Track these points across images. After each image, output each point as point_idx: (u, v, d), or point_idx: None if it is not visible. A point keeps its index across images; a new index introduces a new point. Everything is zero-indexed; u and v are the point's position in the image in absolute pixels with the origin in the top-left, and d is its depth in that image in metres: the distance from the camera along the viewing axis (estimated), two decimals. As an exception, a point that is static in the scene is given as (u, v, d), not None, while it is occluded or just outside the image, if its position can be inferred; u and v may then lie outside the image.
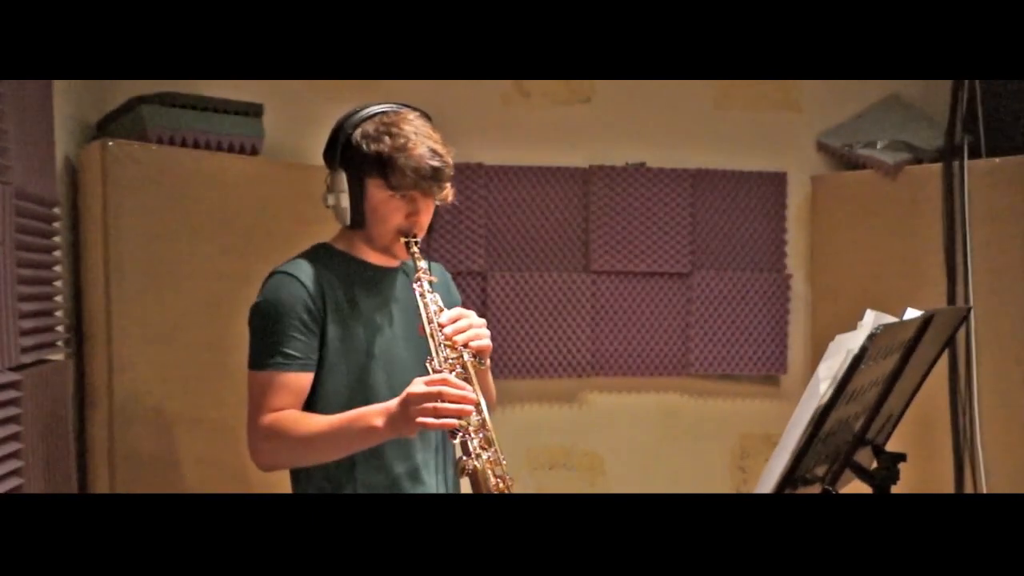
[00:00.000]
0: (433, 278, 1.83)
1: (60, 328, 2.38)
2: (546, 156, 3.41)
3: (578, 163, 3.43)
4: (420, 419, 1.61)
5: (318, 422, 1.75)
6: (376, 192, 1.82)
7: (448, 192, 1.89)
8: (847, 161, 3.48)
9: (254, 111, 2.87)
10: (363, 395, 1.82)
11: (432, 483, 1.90)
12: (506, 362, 3.37)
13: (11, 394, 1.95)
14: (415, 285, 1.81)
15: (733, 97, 3.52)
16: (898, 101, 3.52)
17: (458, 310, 1.82)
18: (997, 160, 3.08)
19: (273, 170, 2.83)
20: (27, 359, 2.07)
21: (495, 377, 3.34)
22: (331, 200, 1.86)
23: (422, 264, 1.83)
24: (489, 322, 3.30)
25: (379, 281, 1.91)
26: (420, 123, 1.86)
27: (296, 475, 1.89)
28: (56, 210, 2.37)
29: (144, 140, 2.61)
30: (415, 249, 1.85)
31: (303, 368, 1.79)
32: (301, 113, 3.03)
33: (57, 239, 2.39)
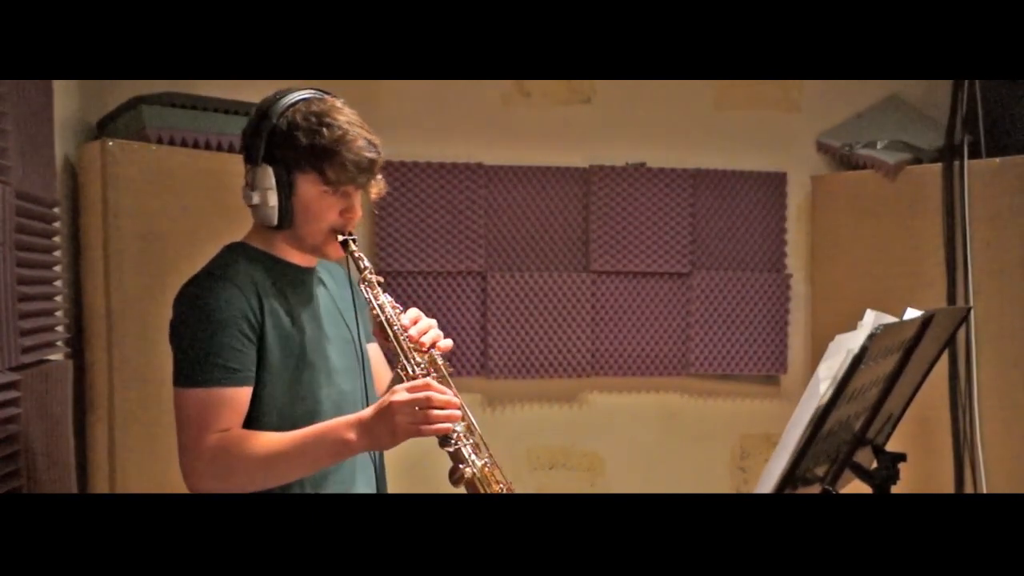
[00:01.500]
0: (380, 278, 1.72)
1: (60, 328, 2.38)
2: (546, 156, 3.41)
3: (578, 163, 3.43)
4: (411, 428, 1.53)
5: (275, 440, 1.59)
6: (308, 188, 1.66)
7: (382, 186, 1.76)
8: (847, 161, 3.48)
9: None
10: (305, 407, 1.68)
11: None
12: (506, 362, 3.37)
13: (11, 394, 1.95)
14: (363, 287, 1.70)
15: (733, 97, 3.52)
16: (898, 101, 3.52)
17: (414, 311, 1.72)
18: (997, 160, 3.08)
19: (273, 170, 2.83)
20: (27, 359, 2.07)
21: (495, 376, 3.37)
22: (256, 198, 1.67)
23: (366, 264, 1.70)
24: (489, 322, 3.34)
25: (302, 283, 1.76)
26: (349, 111, 1.70)
27: None
28: (56, 210, 2.37)
29: (144, 140, 2.61)
30: (354, 248, 1.70)
31: (244, 382, 1.62)
32: (301, 113, 3.02)
33: (57, 239, 2.39)
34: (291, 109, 1.66)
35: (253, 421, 1.65)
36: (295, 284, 1.74)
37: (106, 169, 2.50)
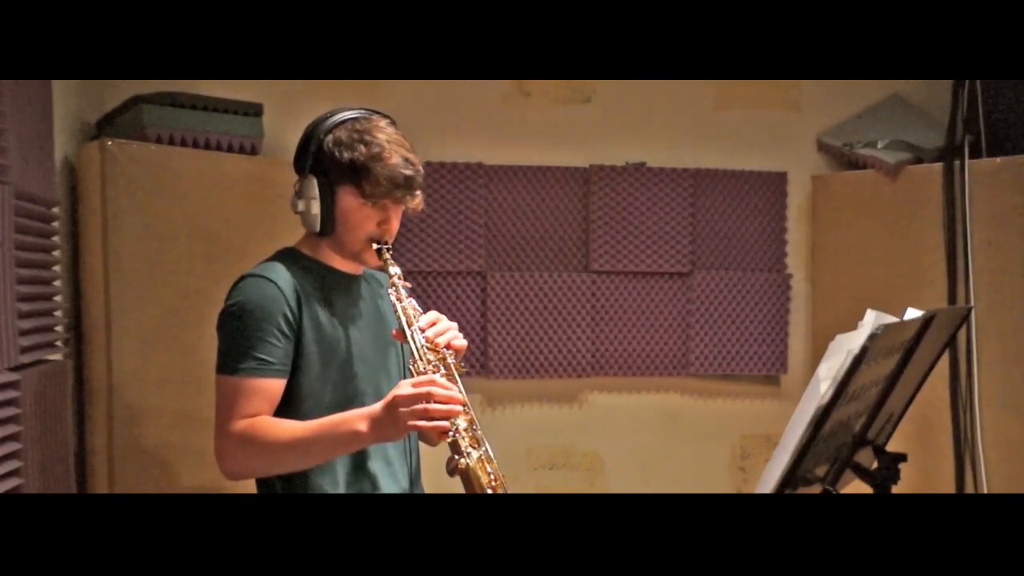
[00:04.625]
0: (408, 284, 1.83)
1: (59, 328, 2.38)
2: (546, 156, 3.40)
3: (578, 163, 3.43)
4: (411, 422, 1.60)
5: (296, 427, 1.72)
6: (348, 200, 1.81)
7: (419, 200, 1.88)
8: (848, 161, 3.47)
9: (254, 111, 2.87)
10: (343, 401, 1.81)
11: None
12: (506, 362, 3.37)
13: (10, 394, 1.95)
14: (390, 291, 1.81)
15: (733, 97, 3.52)
16: (899, 101, 3.52)
17: (433, 313, 1.82)
18: (998, 160, 3.08)
19: (273, 170, 2.83)
20: (26, 359, 2.07)
21: (495, 376, 3.37)
22: (301, 206, 1.84)
23: (395, 270, 1.82)
24: (489, 322, 3.34)
25: (347, 287, 1.91)
26: (391, 131, 1.85)
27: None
28: (55, 210, 2.37)
29: (143, 140, 2.61)
30: (387, 256, 1.84)
31: (278, 374, 1.76)
32: (301, 113, 2.99)
33: (56, 239, 2.39)
34: (338, 127, 1.82)
35: (293, 412, 1.78)
36: (338, 288, 1.88)
37: (105, 169, 2.50)
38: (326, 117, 1.85)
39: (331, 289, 1.87)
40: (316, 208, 1.81)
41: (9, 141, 1.99)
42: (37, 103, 2.23)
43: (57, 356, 2.37)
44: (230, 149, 2.80)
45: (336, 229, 1.83)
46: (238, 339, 1.75)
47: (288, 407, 1.79)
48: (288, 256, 1.89)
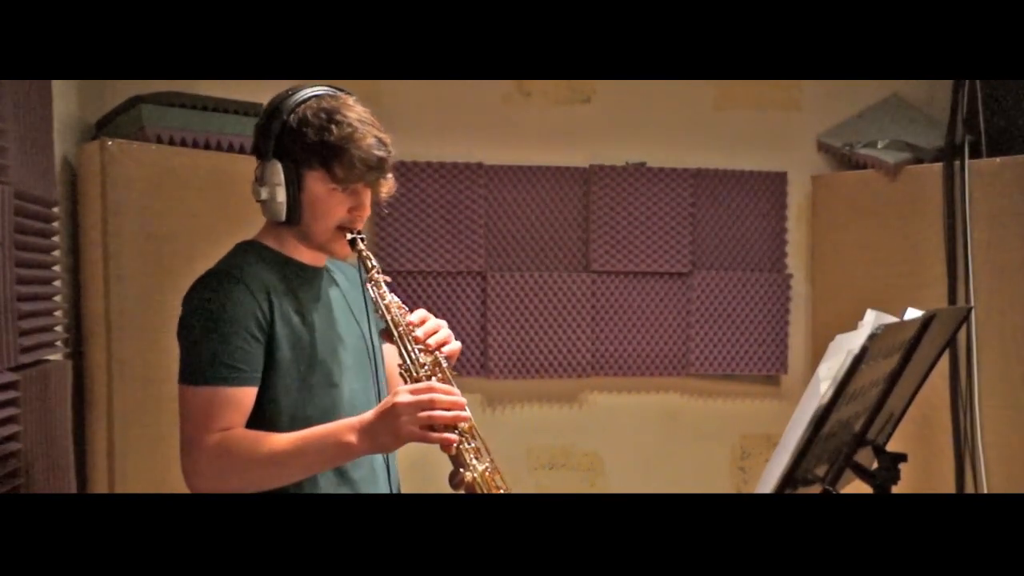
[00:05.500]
0: (387, 278, 1.71)
1: (59, 328, 2.38)
2: (546, 156, 3.40)
3: (578, 163, 3.42)
4: (415, 431, 1.50)
5: (278, 440, 1.58)
6: (317, 185, 1.65)
7: (390, 185, 1.73)
8: (848, 161, 3.47)
9: (253, 111, 2.86)
10: (316, 407, 1.67)
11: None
12: (506, 362, 3.37)
13: (10, 394, 1.95)
14: (370, 286, 1.69)
15: (733, 97, 3.52)
16: (899, 101, 3.52)
17: (422, 311, 1.71)
18: (998, 160, 3.08)
19: (273, 170, 2.83)
20: (26, 359, 2.07)
21: (495, 376, 3.36)
22: (264, 194, 1.66)
23: (374, 263, 1.69)
24: (489, 322, 3.34)
25: (313, 282, 1.75)
26: (361, 109, 1.68)
27: None
28: (55, 210, 2.36)
29: (143, 140, 2.61)
30: (362, 246, 1.69)
31: (249, 382, 1.61)
32: (301, 113, 3.02)
33: (56, 239, 2.38)
34: (302, 105, 1.66)
35: (264, 421, 1.64)
36: (305, 284, 1.74)
37: (105, 169, 2.49)
38: (288, 95, 1.67)
39: (297, 284, 1.71)
40: (281, 195, 1.64)
41: (9, 141, 1.99)
42: (37, 103, 2.23)
43: (57, 356, 2.37)
44: (230, 149, 2.80)
45: (303, 217, 1.67)
46: (205, 345, 1.60)
47: (264, 417, 1.65)
48: (250, 250, 1.73)
